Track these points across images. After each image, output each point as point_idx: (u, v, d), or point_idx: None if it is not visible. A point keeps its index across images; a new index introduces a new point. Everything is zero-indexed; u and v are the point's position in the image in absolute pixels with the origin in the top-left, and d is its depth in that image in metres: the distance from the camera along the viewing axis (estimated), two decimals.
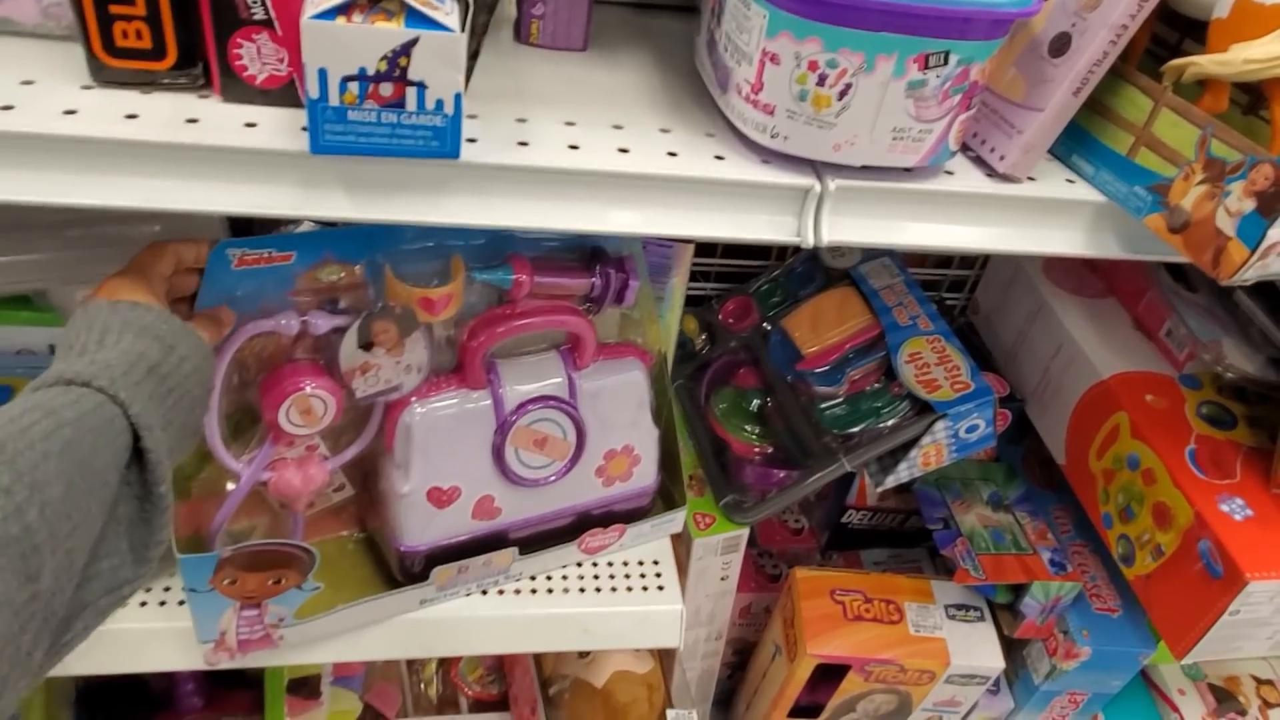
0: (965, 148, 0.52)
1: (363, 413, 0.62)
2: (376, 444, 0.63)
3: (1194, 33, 0.47)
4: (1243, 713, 1.00)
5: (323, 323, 0.55)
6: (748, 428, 0.94)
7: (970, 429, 0.86)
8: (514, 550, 0.67)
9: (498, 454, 0.63)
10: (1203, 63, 0.45)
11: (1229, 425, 0.85)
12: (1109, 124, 0.50)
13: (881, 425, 0.86)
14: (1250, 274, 0.45)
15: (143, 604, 0.65)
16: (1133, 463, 0.84)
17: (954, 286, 1.15)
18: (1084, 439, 0.90)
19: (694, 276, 1.08)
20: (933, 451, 0.87)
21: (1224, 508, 0.77)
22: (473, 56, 0.48)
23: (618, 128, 0.48)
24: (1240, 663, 1.04)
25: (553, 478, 0.66)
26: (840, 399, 0.90)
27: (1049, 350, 0.97)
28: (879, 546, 1.11)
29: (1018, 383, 1.00)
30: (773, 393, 0.94)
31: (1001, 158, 0.49)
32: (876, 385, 0.89)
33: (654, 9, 0.61)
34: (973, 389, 0.84)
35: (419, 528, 0.63)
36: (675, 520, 0.77)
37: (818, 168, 0.48)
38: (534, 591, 0.70)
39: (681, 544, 0.88)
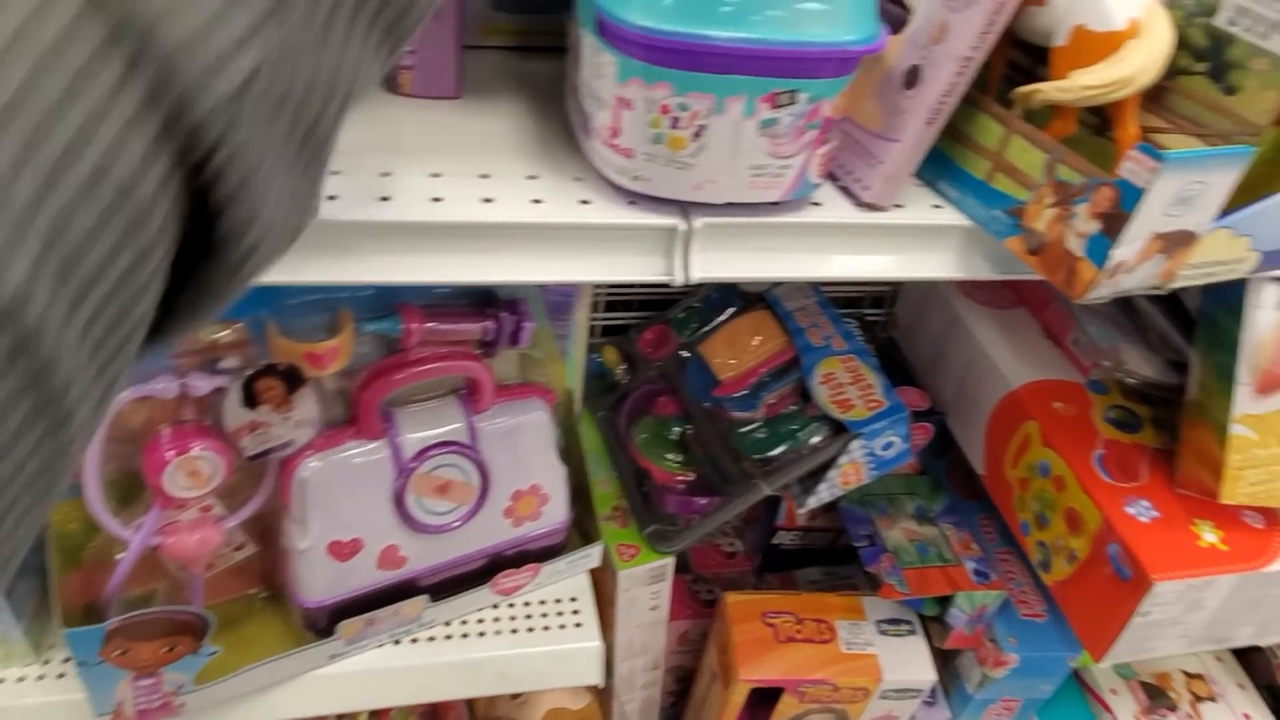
0: (834, 178, 0.53)
1: (258, 469, 0.61)
2: (274, 500, 0.62)
3: (1047, 59, 0.49)
4: (1173, 708, 1.02)
5: (203, 384, 0.54)
6: (669, 456, 0.94)
7: (886, 446, 0.87)
8: (424, 598, 0.66)
9: (399, 503, 0.63)
10: (1045, 89, 0.47)
11: (1135, 428, 0.87)
12: (968, 150, 0.51)
13: (799, 448, 0.87)
14: (1102, 292, 0.46)
15: (39, 677, 0.63)
16: (1044, 470, 0.85)
17: (875, 302, 1.17)
18: (999, 449, 0.92)
19: (614, 306, 1.08)
20: (851, 471, 0.88)
21: (1130, 511, 0.78)
22: None
23: (484, 176, 0.48)
24: (1170, 659, 1.06)
25: (458, 523, 0.65)
26: (757, 423, 0.90)
27: (964, 362, 0.98)
28: (813, 565, 1.11)
29: (938, 395, 1.02)
30: (692, 420, 0.94)
31: (866, 188, 0.50)
32: (793, 407, 0.90)
33: (531, 51, 0.61)
34: (886, 406, 0.86)
35: (321, 582, 0.62)
36: (591, 555, 0.76)
37: (685, 207, 0.48)
38: (448, 638, 0.69)
39: (608, 577, 0.88)
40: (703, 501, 0.90)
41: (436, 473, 0.63)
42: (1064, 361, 0.94)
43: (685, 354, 0.98)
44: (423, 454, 0.62)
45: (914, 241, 0.52)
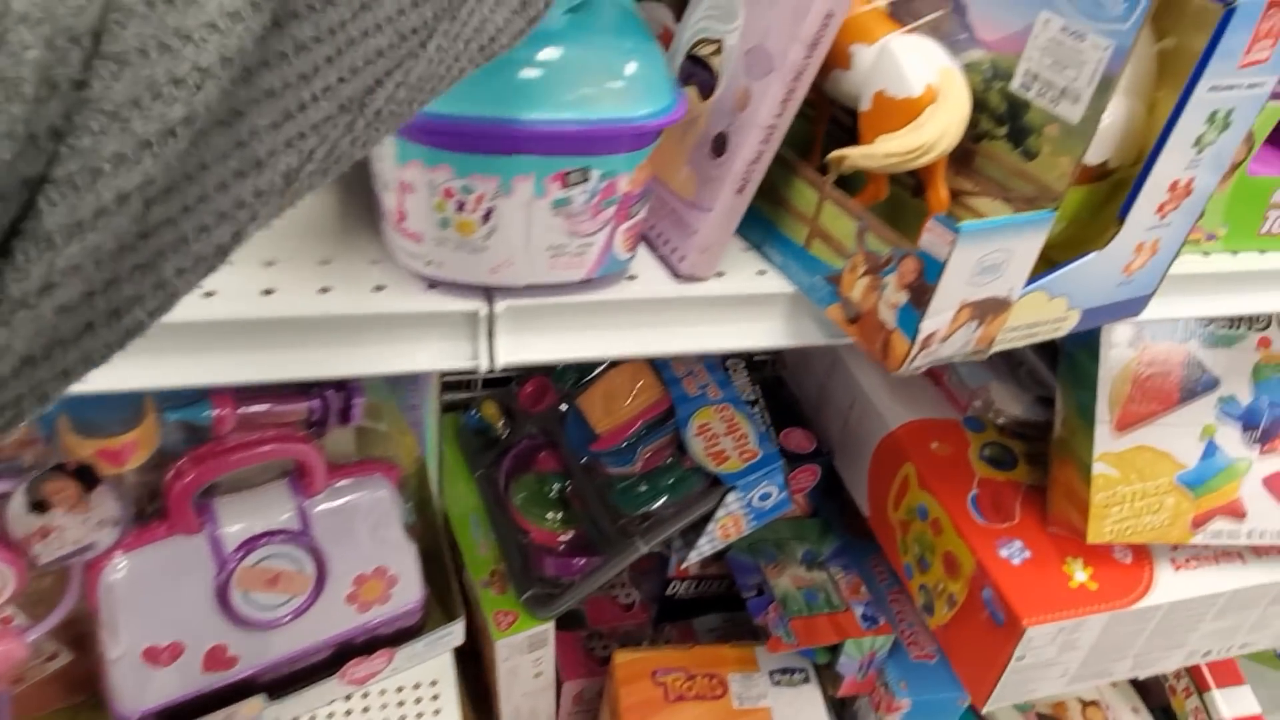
0: (652, 245, 0.51)
1: (64, 573, 0.57)
2: (82, 606, 0.58)
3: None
4: None
5: None
6: (549, 515, 0.91)
7: (763, 497, 0.85)
8: (262, 697, 0.62)
9: (223, 599, 0.58)
10: (852, 155, 0.45)
11: (1010, 466, 0.87)
12: (790, 216, 0.50)
13: (676, 502, 0.85)
14: (918, 364, 0.45)
15: None
16: (923, 513, 0.84)
17: None
18: (882, 491, 0.91)
19: None
20: (730, 523, 0.86)
21: (1003, 553, 0.78)
22: None
23: (269, 264, 0.45)
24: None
25: (289, 617, 0.61)
26: (635, 478, 0.88)
27: (847, 402, 0.97)
28: (712, 613, 1.09)
29: (825, 435, 1.00)
30: (571, 476, 0.91)
31: (682, 259, 0.48)
32: (670, 460, 0.88)
33: None
34: (760, 457, 0.84)
35: (139, 692, 0.58)
36: (452, 633, 0.73)
37: (489, 289, 0.46)
38: None
39: (487, 644, 0.84)
40: (581, 562, 0.87)
41: (264, 564, 0.59)
42: (942, 400, 0.93)
43: (564, 407, 0.96)
44: (247, 546, 0.58)
45: (738, 311, 0.50)
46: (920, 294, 0.42)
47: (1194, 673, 1.02)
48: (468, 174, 0.40)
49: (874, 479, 0.92)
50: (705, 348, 0.50)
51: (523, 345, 0.46)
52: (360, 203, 0.51)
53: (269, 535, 0.59)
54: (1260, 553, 0.81)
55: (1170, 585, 0.77)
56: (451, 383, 1.04)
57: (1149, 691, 1.07)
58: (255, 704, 0.62)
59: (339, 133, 0.24)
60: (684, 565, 0.88)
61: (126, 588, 0.55)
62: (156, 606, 0.56)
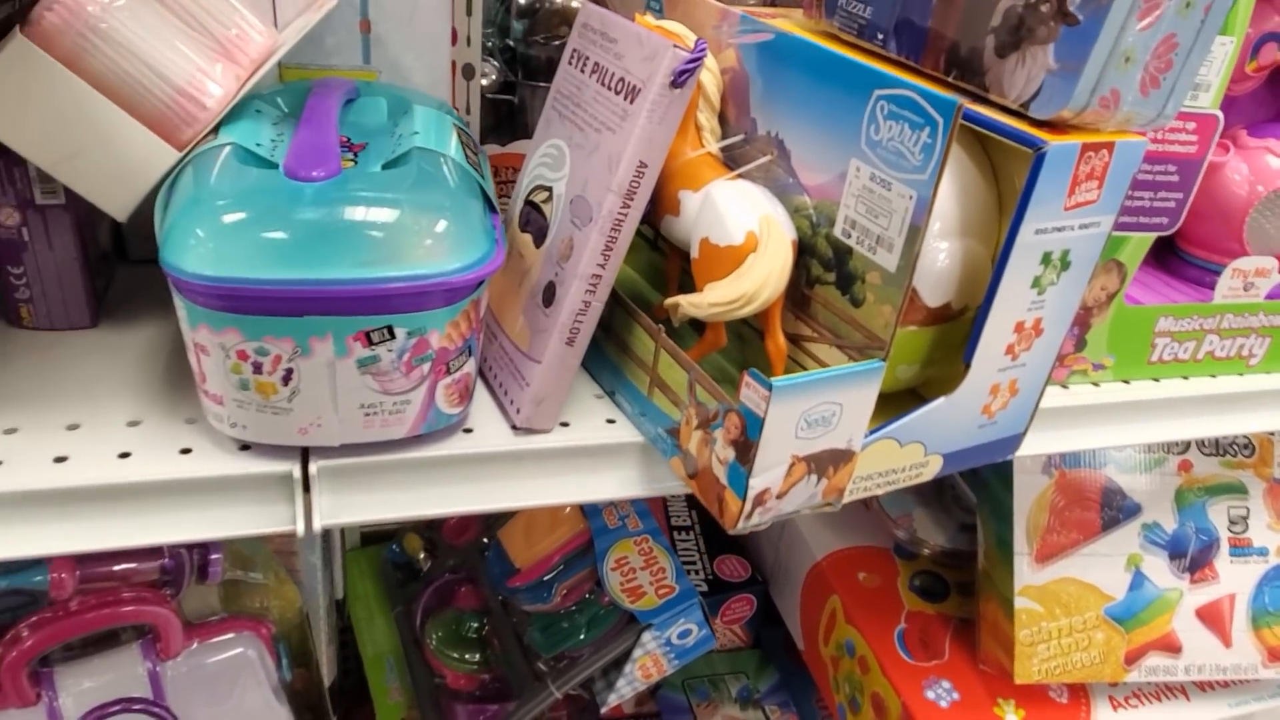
0: (495, 396, 0.49)
1: None
2: None
3: None
4: None
5: None
6: (466, 656, 0.87)
7: (683, 634, 0.81)
8: None
9: None
10: (683, 304, 0.44)
11: (941, 596, 0.83)
12: (633, 364, 0.48)
13: (592, 641, 0.81)
14: (757, 521, 0.42)
15: None
16: (850, 649, 0.80)
17: None
18: (813, 624, 0.87)
19: None
20: (650, 663, 0.81)
21: (930, 694, 0.73)
22: None
23: (72, 427, 0.43)
24: None
25: None
26: (552, 615, 0.84)
27: (776, 530, 0.94)
28: None
29: (760, 564, 0.97)
30: (490, 613, 0.87)
31: (518, 410, 0.46)
32: (588, 596, 0.84)
33: None
34: (676, 593, 0.80)
35: None
36: None
37: (304, 450, 0.44)
38: None
39: None
40: (492, 709, 0.82)
41: None
42: (873, 525, 0.90)
43: (486, 539, 0.92)
44: (93, 716, 0.55)
45: (585, 461, 0.48)
46: (744, 450, 0.40)
47: None
48: (259, 336, 0.39)
49: (805, 611, 0.88)
50: (549, 500, 0.47)
51: (345, 506, 0.44)
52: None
53: (117, 704, 0.55)
54: (1203, 686, 0.76)
55: None
56: None
57: None
58: None
59: None
60: (606, 708, 0.83)
61: None
62: None
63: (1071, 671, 0.71)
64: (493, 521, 0.93)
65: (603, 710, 0.86)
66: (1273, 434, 0.74)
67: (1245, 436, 0.74)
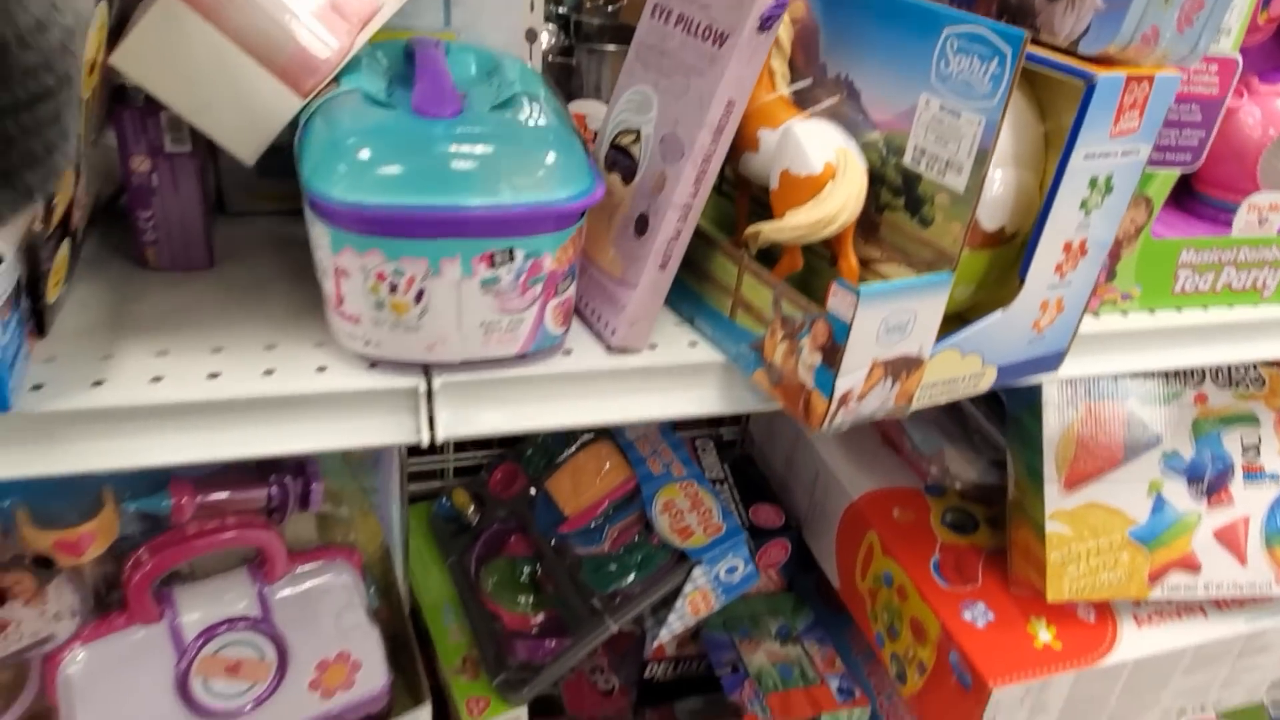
0: (587, 321, 0.53)
1: (20, 668, 0.57)
2: (42, 700, 0.58)
3: None
4: None
5: None
6: (520, 599, 0.91)
7: (730, 570, 0.86)
8: None
9: (183, 689, 0.59)
10: (765, 230, 0.49)
11: (971, 530, 0.88)
12: (715, 289, 0.53)
13: (644, 580, 0.85)
14: (839, 421, 0.47)
15: None
16: (888, 580, 0.85)
17: (734, 420, 1.18)
18: (849, 561, 0.92)
19: (465, 446, 1.07)
20: (699, 598, 0.86)
21: (967, 616, 0.78)
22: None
23: (217, 350, 0.48)
24: None
25: (249, 706, 0.61)
26: (604, 556, 0.89)
27: (811, 476, 0.99)
28: (692, 695, 1.08)
29: (793, 510, 1.02)
30: (542, 559, 0.92)
31: (613, 332, 0.51)
32: (637, 538, 0.89)
33: (299, 214, 0.62)
34: (724, 531, 0.85)
35: None
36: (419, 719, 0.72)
37: (429, 366, 0.48)
38: None
39: None
40: (552, 644, 0.87)
41: (224, 652, 0.60)
42: (903, 467, 0.95)
43: (534, 491, 0.97)
44: (208, 633, 0.59)
45: (671, 381, 0.52)
46: (832, 354, 0.45)
47: None
48: (397, 257, 0.43)
49: (841, 549, 0.93)
50: (640, 416, 0.52)
51: (462, 419, 0.49)
52: (309, 291, 0.54)
53: (229, 623, 0.60)
54: (1221, 606, 0.81)
55: (1134, 641, 0.78)
56: (422, 473, 1.05)
57: None
58: None
59: None
60: (657, 643, 0.88)
61: (86, 680, 0.56)
62: (116, 698, 0.57)
63: (1099, 590, 0.76)
64: (537, 475, 0.98)
65: (655, 644, 0.91)
66: None
67: (1257, 370, 0.79)
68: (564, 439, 1.00)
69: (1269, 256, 0.65)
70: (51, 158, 0.34)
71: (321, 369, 0.47)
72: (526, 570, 0.93)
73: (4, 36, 0.30)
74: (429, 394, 0.47)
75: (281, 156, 0.50)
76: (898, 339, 0.46)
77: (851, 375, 0.45)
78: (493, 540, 0.97)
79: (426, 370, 0.48)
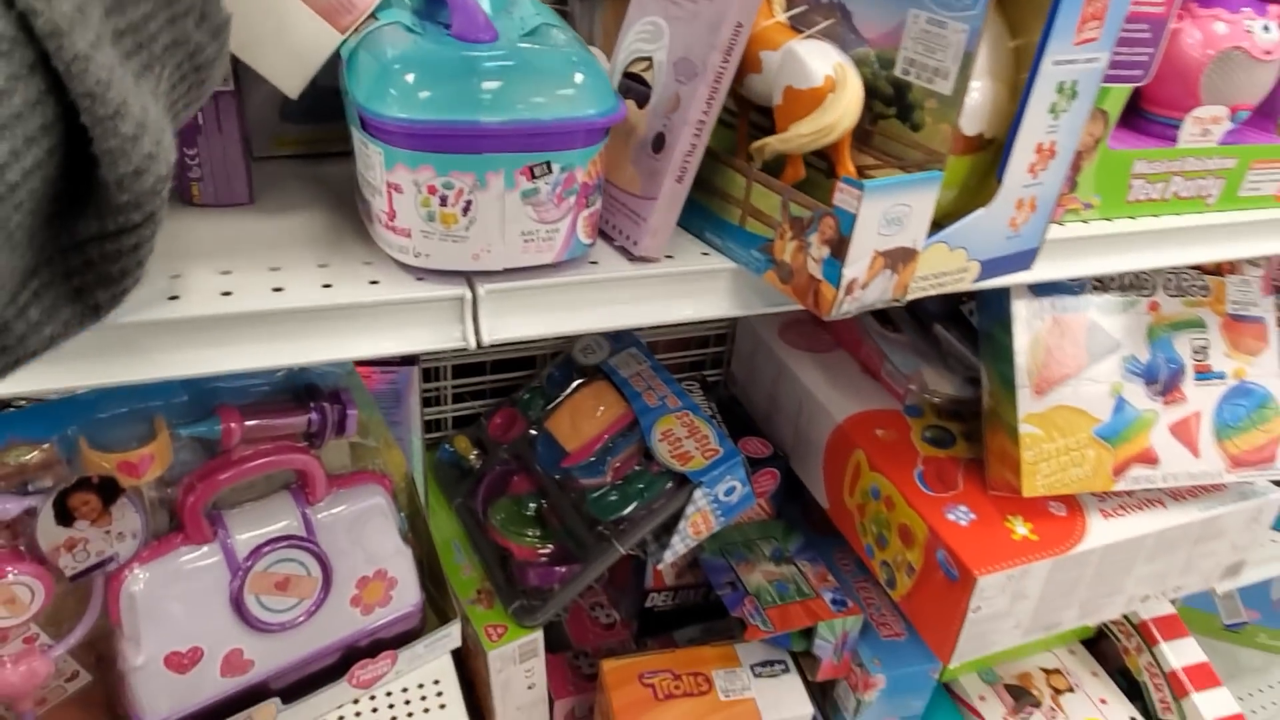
0: (608, 238, 0.58)
1: (82, 591, 0.61)
2: (104, 620, 0.61)
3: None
4: (1038, 704, 1.07)
5: (11, 506, 0.54)
6: (528, 532, 0.96)
7: (729, 491, 0.91)
8: (276, 701, 0.66)
9: (238, 604, 0.63)
10: (771, 142, 0.54)
11: (949, 444, 0.95)
12: (724, 202, 0.58)
13: (647, 504, 0.91)
14: (846, 308, 0.52)
15: None
16: (875, 493, 0.91)
17: (714, 363, 1.23)
18: (837, 480, 0.98)
19: (463, 397, 1.11)
20: (700, 520, 0.92)
21: (951, 517, 0.85)
22: None
23: (274, 269, 0.51)
24: (1028, 658, 1.13)
25: (302, 618, 0.65)
26: (607, 487, 0.94)
27: (795, 406, 1.05)
28: (690, 624, 1.14)
29: (779, 442, 1.08)
30: (546, 494, 0.97)
31: (635, 243, 0.56)
32: (638, 468, 0.94)
33: (322, 157, 0.65)
34: (722, 453, 0.90)
35: (162, 699, 0.61)
36: (450, 635, 0.77)
37: (470, 277, 0.52)
38: None
39: (480, 661, 0.88)
40: (563, 570, 0.92)
41: (274, 569, 0.64)
42: (881, 392, 1.01)
43: (534, 432, 1.01)
44: (257, 552, 0.63)
45: (688, 286, 0.57)
46: (839, 246, 0.50)
47: (1142, 630, 1.09)
48: (447, 172, 0.48)
49: (829, 471, 0.99)
50: (663, 319, 0.57)
51: (504, 325, 0.53)
52: (347, 220, 0.57)
53: (277, 541, 0.64)
54: (1177, 496, 0.89)
55: (1102, 531, 0.85)
56: (424, 422, 1.09)
57: (1105, 656, 1.14)
58: (270, 708, 0.65)
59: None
60: (660, 566, 0.94)
61: (147, 597, 0.59)
62: (176, 614, 0.60)
63: (1070, 484, 0.83)
64: (536, 419, 1.02)
65: (658, 568, 0.96)
66: (1224, 276, 0.87)
67: (1203, 278, 0.86)
68: (560, 381, 1.05)
69: (1212, 166, 0.72)
70: (124, 282, 0.36)
71: (374, 282, 0.51)
72: (532, 506, 0.98)
73: (106, 179, 0.32)
74: (474, 301, 0.52)
75: (303, 102, 0.54)
76: (896, 230, 0.51)
77: (856, 265, 0.51)
78: (497, 481, 1.01)
79: (470, 281, 0.52)
